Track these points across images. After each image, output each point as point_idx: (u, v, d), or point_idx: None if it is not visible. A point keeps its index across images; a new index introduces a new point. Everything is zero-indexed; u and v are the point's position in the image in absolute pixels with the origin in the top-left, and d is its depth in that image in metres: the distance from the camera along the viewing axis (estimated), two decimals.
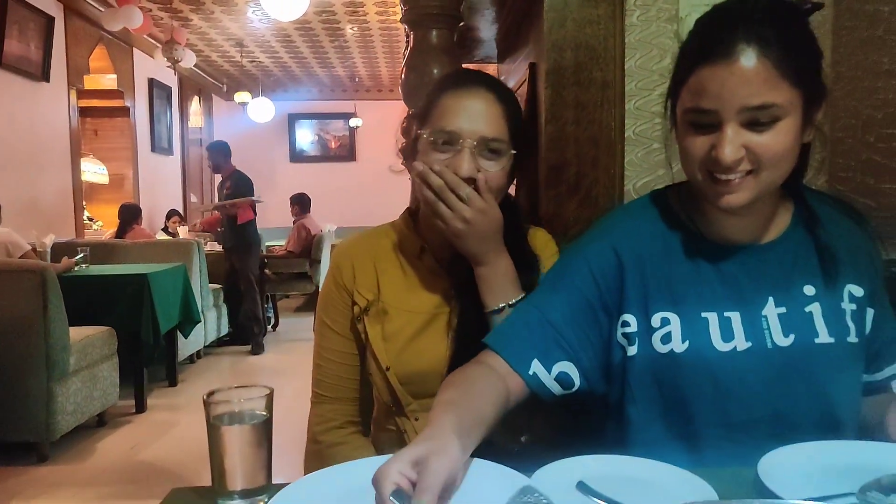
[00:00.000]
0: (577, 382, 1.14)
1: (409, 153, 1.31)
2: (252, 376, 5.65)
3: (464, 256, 1.25)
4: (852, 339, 1.12)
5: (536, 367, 1.11)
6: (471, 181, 1.17)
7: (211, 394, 0.92)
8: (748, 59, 0.98)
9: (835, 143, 1.82)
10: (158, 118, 8.50)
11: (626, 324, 1.14)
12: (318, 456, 1.32)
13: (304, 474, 1.30)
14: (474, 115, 1.20)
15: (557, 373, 1.12)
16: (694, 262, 1.14)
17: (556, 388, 1.12)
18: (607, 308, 1.15)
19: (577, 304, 1.14)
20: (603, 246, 1.17)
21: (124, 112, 7.74)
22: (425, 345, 1.25)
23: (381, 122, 10.16)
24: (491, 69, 3.11)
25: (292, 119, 10.60)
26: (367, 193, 9.91)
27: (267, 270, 7.13)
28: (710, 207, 1.11)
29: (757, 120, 0.99)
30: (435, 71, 2.00)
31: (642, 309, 1.13)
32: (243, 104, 9.56)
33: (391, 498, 0.73)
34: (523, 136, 1.28)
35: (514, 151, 1.23)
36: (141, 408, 4.52)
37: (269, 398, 0.93)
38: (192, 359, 5.85)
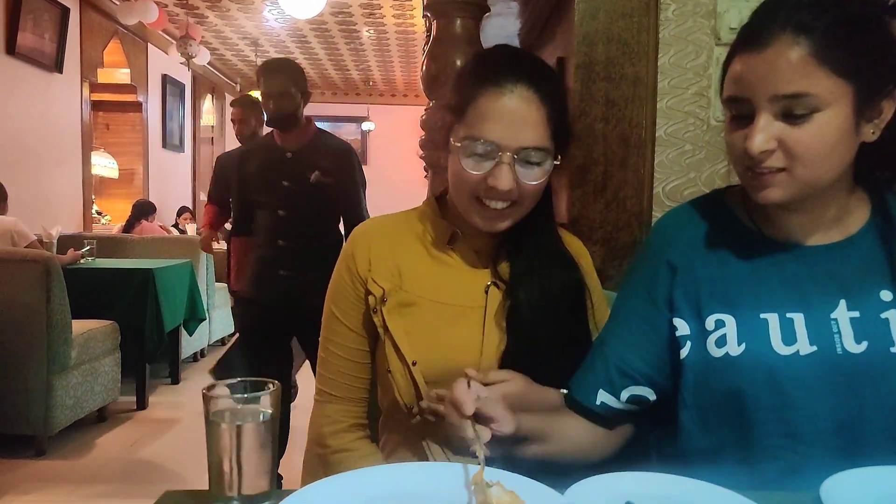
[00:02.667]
0: (652, 398, 1.12)
1: (440, 145, 1.21)
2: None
3: (507, 245, 1.20)
4: None
5: (603, 396, 1.10)
6: (509, 193, 1.09)
7: (211, 387, 0.84)
8: (781, 45, 0.93)
9: None
10: (171, 115, 8.47)
11: (675, 328, 1.08)
12: (321, 461, 1.22)
13: (303, 480, 1.25)
14: (515, 122, 1.07)
15: (628, 396, 1.11)
16: (751, 263, 1.07)
17: (630, 408, 1.12)
18: (668, 321, 1.11)
19: (637, 329, 1.12)
20: (656, 263, 1.13)
21: (137, 107, 7.72)
22: (457, 340, 1.15)
23: (394, 128, 10.11)
24: None
25: None
26: (378, 199, 9.77)
27: None
28: (767, 205, 1.04)
29: (791, 111, 0.93)
30: (458, 62, 1.92)
31: (694, 312, 1.07)
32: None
33: None
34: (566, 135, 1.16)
35: (556, 161, 1.12)
36: (142, 405, 4.44)
37: (276, 395, 0.85)
38: (195, 357, 5.77)
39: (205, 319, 5.29)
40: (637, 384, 1.10)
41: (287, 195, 2.93)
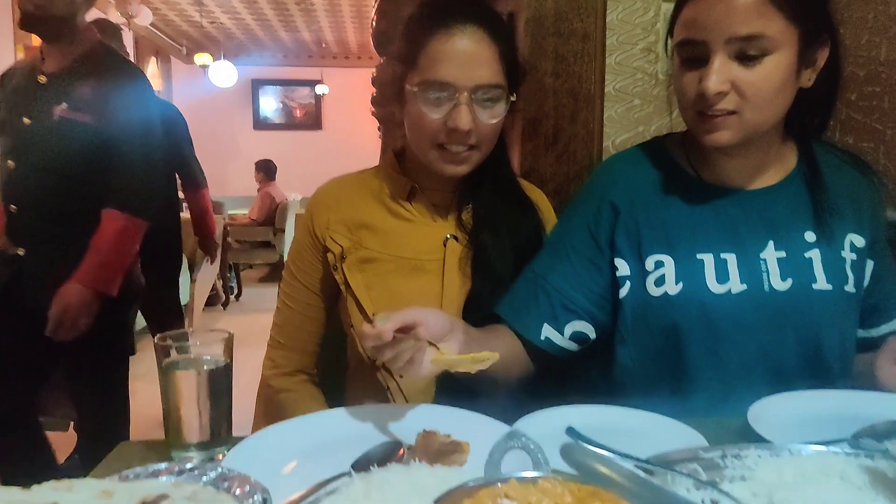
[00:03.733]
0: (593, 334, 1.16)
1: (393, 98, 1.21)
2: None
3: (473, 196, 1.23)
4: (850, 288, 1.11)
5: (548, 331, 1.13)
6: (469, 135, 1.11)
7: (164, 337, 0.85)
8: None
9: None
10: None
11: (616, 268, 1.13)
12: (268, 399, 1.27)
13: (256, 414, 1.30)
14: (468, 61, 1.08)
15: (571, 332, 1.14)
16: (690, 206, 1.12)
17: (572, 346, 1.15)
18: (609, 261, 1.15)
19: (580, 266, 1.15)
20: (599, 203, 1.16)
21: None
22: (417, 292, 1.18)
23: (348, 90, 9.96)
24: None
25: (256, 85, 10.32)
26: (333, 163, 9.63)
27: (229, 239, 6.97)
28: (710, 150, 1.09)
29: (745, 52, 0.97)
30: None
31: (635, 253, 1.12)
32: (204, 67, 9.27)
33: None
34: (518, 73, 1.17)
35: (512, 98, 1.14)
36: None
37: (229, 343, 0.86)
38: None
39: None
40: (580, 319, 1.14)
41: (22, 137, 1.97)
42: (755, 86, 0.98)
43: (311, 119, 10.47)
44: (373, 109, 1.89)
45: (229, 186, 9.37)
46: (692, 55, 1.01)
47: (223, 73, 8.99)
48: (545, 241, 1.22)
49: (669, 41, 1.10)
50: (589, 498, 0.63)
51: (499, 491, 0.64)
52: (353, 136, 9.66)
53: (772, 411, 0.93)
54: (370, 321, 1.15)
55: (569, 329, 1.13)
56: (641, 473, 0.51)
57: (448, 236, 1.20)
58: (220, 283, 6.73)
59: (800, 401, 0.98)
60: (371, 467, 0.76)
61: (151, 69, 9.50)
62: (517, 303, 1.15)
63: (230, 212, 7.98)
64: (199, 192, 3.88)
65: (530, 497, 0.63)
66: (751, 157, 1.10)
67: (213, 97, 9.81)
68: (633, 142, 1.83)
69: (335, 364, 1.31)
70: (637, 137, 1.82)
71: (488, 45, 1.10)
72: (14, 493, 0.57)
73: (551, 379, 1.22)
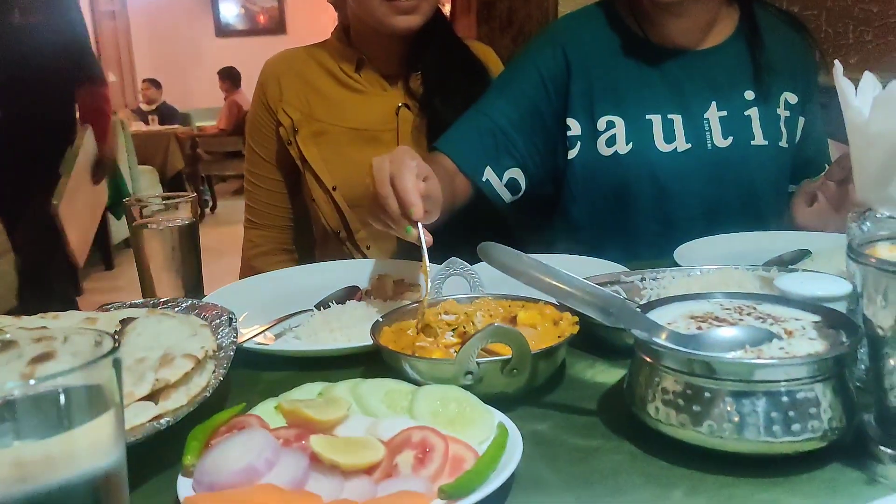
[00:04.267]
0: (524, 187, 1.18)
1: None
2: None
3: (421, 62, 1.23)
4: (783, 143, 1.18)
5: (489, 174, 1.15)
6: None
7: (134, 199, 0.91)
8: None
9: None
10: None
11: (568, 128, 1.17)
12: None
13: None
14: None
15: (507, 179, 1.16)
16: (639, 67, 1.17)
17: (506, 195, 1.17)
18: (555, 113, 1.18)
19: (526, 111, 1.17)
20: (553, 51, 1.18)
21: None
22: None
23: None
24: None
25: None
26: None
27: (199, 150, 6.91)
28: (656, 10, 1.13)
29: None
30: None
31: (587, 113, 1.16)
32: None
33: None
34: None
35: None
36: (77, 291, 4.43)
37: (194, 203, 0.93)
38: (128, 242, 5.72)
39: None
40: (517, 167, 1.17)
41: None
42: None
43: (275, 24, 10.13)
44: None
45: (195, 97, 9.14)
46: None
47: None
48: (493, 83, 1.23)
49: None
50: (518, 309, 0.73)
51: (438, 309, 0.74)
52: (320, 39, 9.39)
53: (697, 248, 1.02)
54: (330, 194, 1.22)
55: (507, 175, 1.16)
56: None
57: (400, 105, 1.24)
58: None
59: (724, 240, 1.07)
60: (330, 304, 0.85)
61: None
62: (462, 141, 1.15)
63: (198, 123, 7.86)
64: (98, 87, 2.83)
65: (466, 309, 0.73)
66: (696, 16, 1.14)
67: (170, 3, 9.42)
68: None
69: (309, 238, 1.36)
70: None
71: None
72: (5, 319, 0.64)
73: (508, 238, 1.30)
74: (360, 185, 1.17)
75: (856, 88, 0.65)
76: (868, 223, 0.61)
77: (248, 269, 1.33)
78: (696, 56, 1.17)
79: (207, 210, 7.11)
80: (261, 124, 1.28)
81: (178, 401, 0.58)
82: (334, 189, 1.21)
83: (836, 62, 0.66)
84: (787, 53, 1.20)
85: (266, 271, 1.29)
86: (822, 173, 1.23)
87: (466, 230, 1.21)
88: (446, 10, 2.13)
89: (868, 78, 0.65)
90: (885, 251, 0.53)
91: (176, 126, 6.98)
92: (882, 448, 0.51)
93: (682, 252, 1.00)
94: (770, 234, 1.09)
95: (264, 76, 1.28)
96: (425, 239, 0.77)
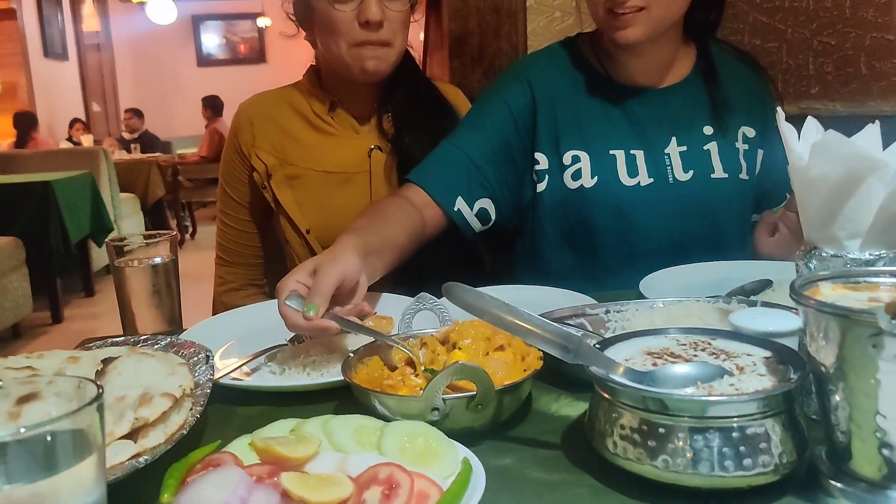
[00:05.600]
0: (494, 217, 1.21)
1: (301, 13, 1.26)
2: None
3: (391, 103, 1.26)
4: (744, 176, 1.22)
5: (460, 203, 1.17)
6: (380, 26, 1.15)
7: (115, 238, 0.93)
8: None
9: (726, 7, 1.88)
10: (49, 21, 7.89)
11: (536, 161, 1.21)
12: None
13: None
14: None
15: (478, 209, 1.19)
16: (602, 104, 1.21)
17: (476, 225, 1.20)
18: (524, 147, 1.21)
19: (496, 144, 1.20)
20: (520, 87, 1.22)
21: (10, 14, 7.16)
22: (346, 205, 1.23)
23: (291, 22, 9.70)
24: None
25: (197, 20, 10.00)
26: None
27: (180, 177, 6.92)
28: (616, 49, 1.17)
29: None
30: None
31: (553, 147, 1.20)
32: (142, 4, 8.94)
33: (286, 302, 0.78)
34: None
35: None
36: (57, 318, 4.42)
37: (174, 241, 0.95)
38: (109, 269, 5.69)
39: (112, 230, 5.19)
40: (488, 197, 1.19)
41: None
42: None
43: (256, 53, 10.23)
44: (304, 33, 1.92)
45: (177, 126, 9.17)
46: None
47: (162, 10, 8.70)
48: (464, 117, 1.26)
49: None
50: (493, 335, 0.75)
51: (417, 341, 0.76)
52: (300, 69, 9.46)
53: (662, 279, 1.06)
54: (304, 237, 1.24)
55: (477, 205, 1.18)
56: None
57: (372, 147, 1.26)
58: (173, 223, 6.72)
59: (688, 270, 1.10)
60: (305, 338, 0.87)
61: (88, 9, 9.13)
62: (434, 172, 1.18)
63: (179, 151, 7.88)
64: None
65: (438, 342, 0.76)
66: (655, 56, 1.19)
67: (153, 35, 9.49)
68: None
69: (283, 270, 1.38)
70: None
71: None
72: None
73: (479, 268, 1.33)
74: (333, 227, 1.19)
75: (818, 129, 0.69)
76: (814, 261, 0.65)
77: (219, 305, 1.34)
78: (657, 94, 1.22)
79: (188, 236, 7.10)
80: (234, 169, 1.30)
81: (156, 439, 0.60)
82: (308, 232, 1.24)
83: (779, 109, 0.70)
84: (743, 89, 1.25)
85: (236, 306, 1.31)
86: (783, 204, 1.28)
87: (438, 261, 1.25)
88: (418, 47, 2.18)
89: (810, 123, 0.69)
90: (827, 290, 0.57)
91: (157, 154, 7.00)
92: (832, 482, 0.54)
93: (647, 283, 1.03)
94: (733, 264, 1.12)
95: (237, 121, 1.29)
96: (352, 320, 0.80)
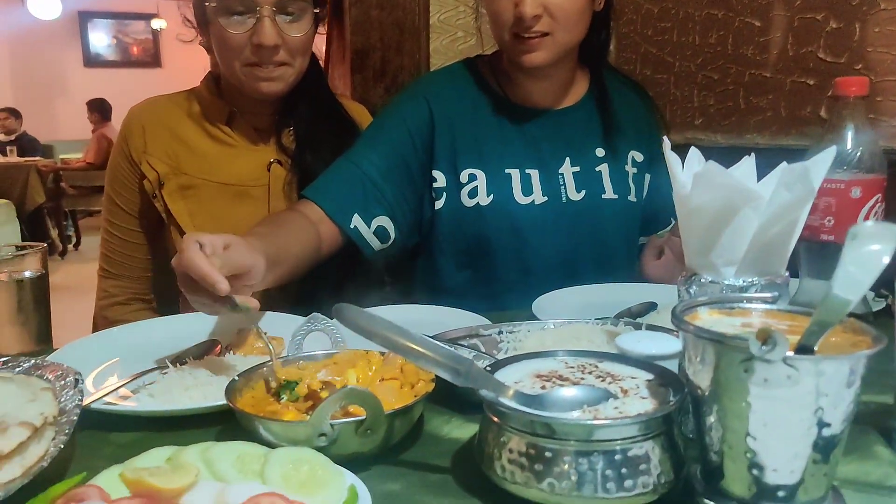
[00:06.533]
0: (393, 236, 1.20)
1: (199, 22, 1.21)
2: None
3: (293, 117, 1.22)
4: (632, 198, 1.27)
5: (357, 221, 1.15)
6: (276, 50, 1.12)
7: None
8: None
9: (619, 39, 1.97)
10: None
11: (434, 179, 1.21)
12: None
13: None
14: None
15: (376, 227, 1.17)
16: (499, 124, 1.24)
17: (375, 243, 1.18)
18: (421, 164, 1.22)
19: (394, 161, 1.19)
20: (418, 105, 1.23)
21: None
22: (242, 218, 1.17)
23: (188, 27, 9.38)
24: None
25: (84, 17, 9.48)
26: None
27: (63, 184, 6.51)
28: (516, 72, 1.20)
29: None
30: None
31: (451, 165, 1.21)
32: None
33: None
34: None
35: (316, 10, 1.17)
36: None
37: (44, 254, 0.89)
38: None
39: None
40: (385, 215, 1.18)
41: None
42: (564, 9, 1.10)
43: (150, 56, 9.80)
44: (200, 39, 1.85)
45: (61, 129, 8.65)
46: None
47: (44, 4, 8.20)
48: (363, 134, 1.24)
49: None
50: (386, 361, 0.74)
51: (294, 368, 0.74)
52: (197, 76, 9.16)
53: (553, 301, 1.08)
54: None
55: (375, 223, 1.17)
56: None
57: (272, 160, 1.23)
58: (55, 232, 6.30)
59: (578, 292, 1.13)
60: (187, 360, 0.82)
61: None
62: (330, 188, 1.16)
63: (63, 156, 7.44)
64: None
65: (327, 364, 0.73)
66: (553, 79, 1.23)
67: (35, 31, 8.92)
68: None
69: (173, 287, 1.31)
70: None
71: None
72: None
73: (378, 287, 1.31)
74: None
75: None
76: (694, 286, 0.68)
77: (101, 320, 1.27)
78: (552, 115, 1.26)
79: (70, 246, 6.69)
80: (122, 175, 1.23)
81: (11, 473, 0.55)
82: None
83: (665, 138, 0.73)
84: (633, 115, 1.31)
85: (120, 322, 1.23)
86: (668, 228, 1.34)
87: (335, 281, 1.23)
88: (322, 55, 2.15)
89: (693, 153, 0.72)
90: (704, 315, 0.59)
91: (37, 158, 6.57)
92: (706, 500, 0.55)
93: (540, 304, 1.05)
94: (621, 287, 1.16)
95: (128, 126, 1.22)
96: (250, 306, 0.77)
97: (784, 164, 0.64)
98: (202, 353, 0.86)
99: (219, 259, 0.77)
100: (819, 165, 0.62)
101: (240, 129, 1.24)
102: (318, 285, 1.18)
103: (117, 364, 0.85)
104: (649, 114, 1.35)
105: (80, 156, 7.27)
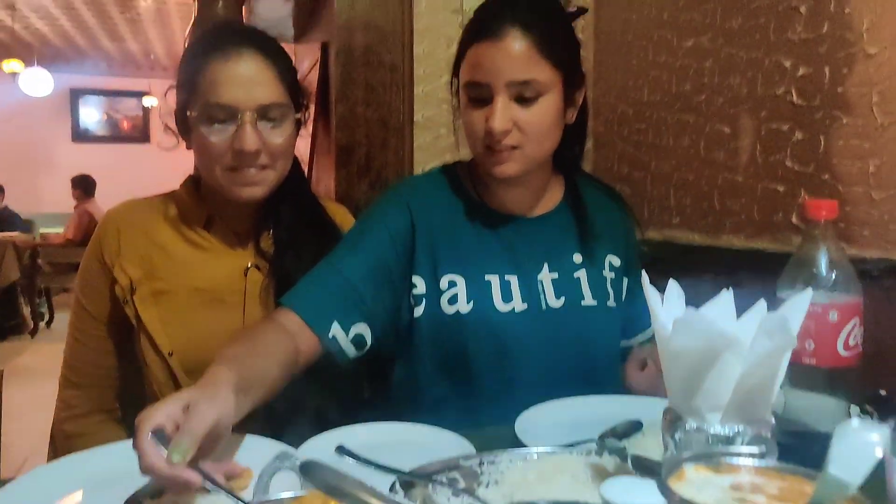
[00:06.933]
0: (369, 342, 1.17)
1: (180, 127, 1.21)
2: (17, 377, 5.07)
3: (273, 220, 1.21)
4: (611, 303, 1.27)
5: (336, 329, 1.12)
6: (258, 155, 1.12)
7: None
8: (514, 38, 1.09)
9: (597, 137, 2.01)
10: None
11: (413, 285, 1.20)
12: (61, 448, 1.18)
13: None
14: (247, 82, 1.11)
15: (354, 334, 1.14)
16: (478, 230, 1.24)
17: (351, 351, 1.14)
18: (402, 270, 1.20)
19: (374, 266, 1.18)
20: (399, 209, 1.22)
21: None
22: (216, 326, 1.14)
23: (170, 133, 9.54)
24: (288, 49, 3.06)
25: (76, 94, 9.62)
26: (161, 177, 9.12)
27: (40, 260, 6.44)
28: (492, 180, 1.21)
29: (522, 95, 1.10)
30: None
31: (431, 271, 1.20)
32: (14, 74, 8.53)
33: (151, 436, 0.70)
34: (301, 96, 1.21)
35: (297, 116, 1.18)
36: None
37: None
38: None
39: None
40: (364, 321, 1.15)
41: None
42: (533, 124, 1.11)
43: (139, 132, 9.93)
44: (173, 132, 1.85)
45: (45, 202, 8.65)
46: (477, 95, 1.13)
47: (36, 82, 8.32)
48: (343, 239, 1.22)
49: (455, 81, 1.21)
50: None
51: None
52: (185, 153, 9.25)
53: (536, 419, 1.05)
54: (165, 360, 1.14)
55: (353, 330, 1.14)
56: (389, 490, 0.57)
57: (249, 265, 1.20)
58: (27, 310, 6.19)
59: (561, 408, 1.10)
60: (142, 502, 0.76)
61: None
62: (309, 295, 1.13)
63: (44, 230, 7.39)
64: None
65: None
66: (527, 187, 1.24)
67: (25, 107, 9.03)
68: None
69: (141, 394, 1.23)
70: None
71: (266, 66, 1.13)
72: None
73: (356, 394, 1.28)
74: (199, 351, 1.11)
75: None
76: (679, 433, 0.66)
77: (59, 434, 1.20)
78: (529, 222, 1.26)
79: (43, 324, 6.56)
80: (93, 278, 1.19)
81: None
82: (171, 355, 1.14)
83: (644, 273, 0.72)
84: (608, 220, 1.32)
85: (80, 434, 1.17)
86: (649, 335, 1.33)
87: (311, 388, 1.19)
88: (306, 148, 2.17)
89: (672, 287, 0.71)
90: (691, 473, 0.57)
91: (15, 233, 6.51)
92: None
93: (522, 425, 1.02)
94: (605, 400, 1.13)
95: (103, 227, 1.20)
96: (217, 480, 0.71)
97: (763, 308, 0.64)
98: (160, 490, 0.79)
99: (185, 440, 0.71)
100: (796, 313, 0.61)
101: (218, 233, 1.22)
102: (293, 395, 1.14)
103: (80, 498, 0.80)
104: (624, 218, 1.37)
105: (61, 230, 7.24)
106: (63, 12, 7.78)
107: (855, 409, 1.01)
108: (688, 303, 0.70)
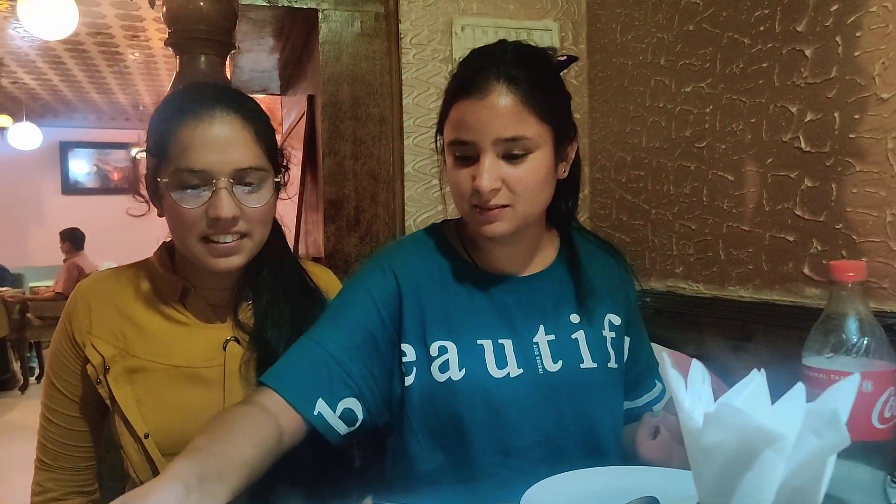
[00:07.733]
0: (361, 417, 1.09)
1: (151, 194, 1.12)
2: (8, 433, 4.94)
3: (252, 289, 1.14)
4: (612, 364, 1.19)
5: (321, 406, 1.04)
6: (235, 222, 1.04)
7: None
8: (499, 94, 1.03)
9: (593, 184, 1.96)
10: None
11: (403, 353, 1.12)
12: None
13: None
14: (221, 145, 1.03)
15: (342, 410, 1.06)
16: (468, 292, 1.16)
17: (341, 427, 1.07)
18: (390, 339, 1.12)
19: (360, 338, 1.10)
20: (384, 276, 1.15)
21: None
22: (195, 404, 1.07)
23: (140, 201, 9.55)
24: (275, 101, 3.02)
25: (65, 147, 9.60)
26: (152, 227, 9.05)
27: (29, 314, 6.33)
28: (482, 239, 1.14)
29: (511, 152, 1.04)
30: None
31: (420, 338, 1.12)
32: (2, 130, 8.53)
33: None
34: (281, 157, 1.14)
35: (276, 179, 1.10)
36: None
37: None
38: None
39: None
40: (353, 396, 1.08)
41: None
42: (523, 182, 1.05)
43: (129, 182, 9.89)
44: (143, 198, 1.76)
45: (33, 255, 8.57)
46: (463, 154, 1.06)
47: (25, 136, 8.32)
48: (326, 311, 1.15)
49: (439, 138, 1.15)
50: None
51: None
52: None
53: (543, 495, 0.97)
54: (141, 442, 1.06)
55: (341, 406, 1.06)
56: None
57: (228, 339, 1.12)
58: (17, 365, 6.08)
59: (569, 482, 1.02)
60: None
61: None
62: (291, 373, 1.05)
63: (32, 284, 7.29)
64: None
65: None
66: (519, 245, 1.17)
67: (14, 161, 9.03)
68: (433, 220, 1.89)
69: (122, 473, 1.15)
70: (437, 215, 1.88)
71: (242, 127, 1.05)
72: None
73: (347, 465, 1.19)
74: (177, 431, 1.04)
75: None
76: None
77: None
78: (522, 282, 1.19)
79: (33, 378, 6.43)
80: (64, 358, 1.12)
81: None
82: (146, 437, 1.05)
83: (665, 354, 0.65)
84: (606, 276, 1.25)
85: None
86: (655, 394, 1.26)
87: (303, 460, 1.10)
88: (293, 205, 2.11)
89: (696, 368, 0.64)
90: None
91: (6, 289, 6.44)
92: None
93: (529, 499, 0.93)
94: (614, 472, 1.05)
95: (73, 303, 1.12)
96: None
97: (802, 394, 0.57)
98: None
99: None
100: (844, 403, 0.54)
101: (194, 306, 1.14)
102: (284, 466, 1.05)
103: None
104: (622, 273, 1.30)
105: (51, 283, 7.13)
106: (51, 67, 7.80)
107: (889, 480, 0.93)
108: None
